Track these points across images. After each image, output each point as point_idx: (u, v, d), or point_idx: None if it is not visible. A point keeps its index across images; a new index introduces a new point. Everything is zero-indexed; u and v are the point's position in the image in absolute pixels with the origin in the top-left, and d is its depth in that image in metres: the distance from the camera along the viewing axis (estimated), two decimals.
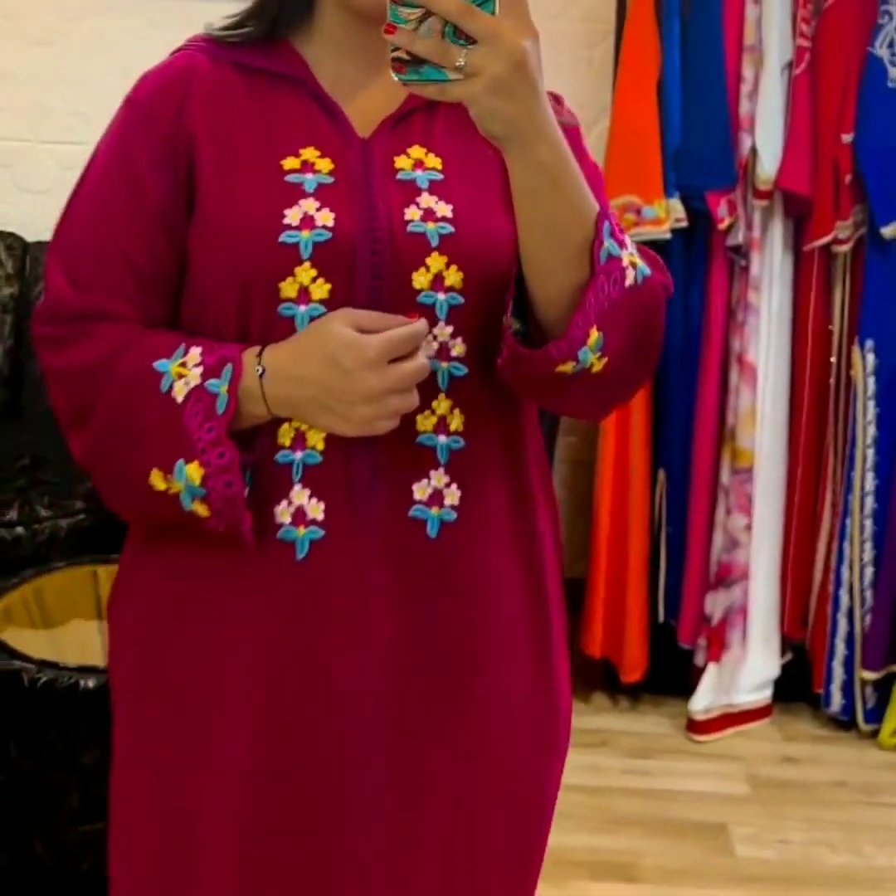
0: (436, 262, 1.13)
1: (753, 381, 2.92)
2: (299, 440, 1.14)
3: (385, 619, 1.16)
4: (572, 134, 1.15)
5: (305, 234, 1.11)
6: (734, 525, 2.98)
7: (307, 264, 1.11)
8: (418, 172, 1.15)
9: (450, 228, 1.13)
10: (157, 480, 1.13)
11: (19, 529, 2.75)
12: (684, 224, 2.86)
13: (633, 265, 1.12)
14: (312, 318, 1.11)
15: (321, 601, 1.15)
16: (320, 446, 1.14)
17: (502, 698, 1.22)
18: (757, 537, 2.99)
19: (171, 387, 1.12)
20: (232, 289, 1.14)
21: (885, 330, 2.88)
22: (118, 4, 3.37)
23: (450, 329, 1.14)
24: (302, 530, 1.14)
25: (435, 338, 1.13)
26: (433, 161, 1.16)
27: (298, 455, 1.14)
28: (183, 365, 1.12)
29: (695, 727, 3.00)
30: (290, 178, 1.13)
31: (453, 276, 1.13)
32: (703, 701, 3.00)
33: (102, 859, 2.11)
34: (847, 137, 2.79)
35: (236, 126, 1.17)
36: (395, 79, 0.99)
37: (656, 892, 2.47)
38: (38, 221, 3.42)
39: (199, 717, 1.20)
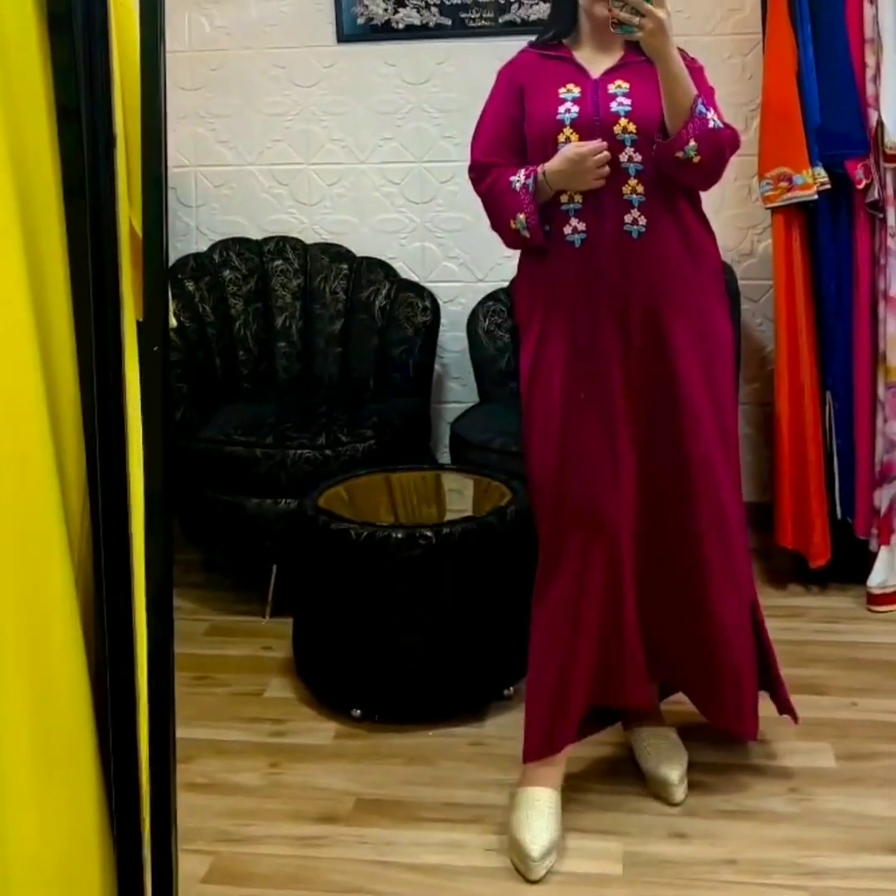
0: (623, 122, 2.39)
1: None
2: (571, 199, 2.43)
3: (613, 278, 2.41)
4: (695, 69, 2.42)
5: (567, 115, 2.41)
6: (892, 430, 3.42)
7: (568, 128, 2.41)
8: (618, 89, 2.41)
9: (629, 108, 2.39)
10: (511, 222, 2.45)
11: (328, 451, 3.47)
12: (829, 187, 3.35)
13: (713, 120, 2.33)
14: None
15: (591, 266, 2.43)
16: (579, 199, 2.41)
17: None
18: None
19: (514, 182, 2.43)
20: (537, 142, 2.45)
21: None
22: (361, 51, 4.12)
23: (632, 150, 2.39)
24: (577, 237, 2.42)
25: (626, 154, 2.38)
26: (625, 86, 2.42)
27: (571, 205, 2.42)
28: (518, 178, 2.43)
29: (873, 600, 3.46)
30: (561, 95, 2.44)
31: (631, 127, 2.38)
32: (879, 577, 3.46)
33: (418, 664, 2.82)
34: None
35: (539, 80, 2.47)
36: (612, 31, 2.30)
37: (841, 701, 3.01)
38: (313, 227, 4.22)
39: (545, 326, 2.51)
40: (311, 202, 4.26)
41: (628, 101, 2.39)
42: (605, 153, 2.35)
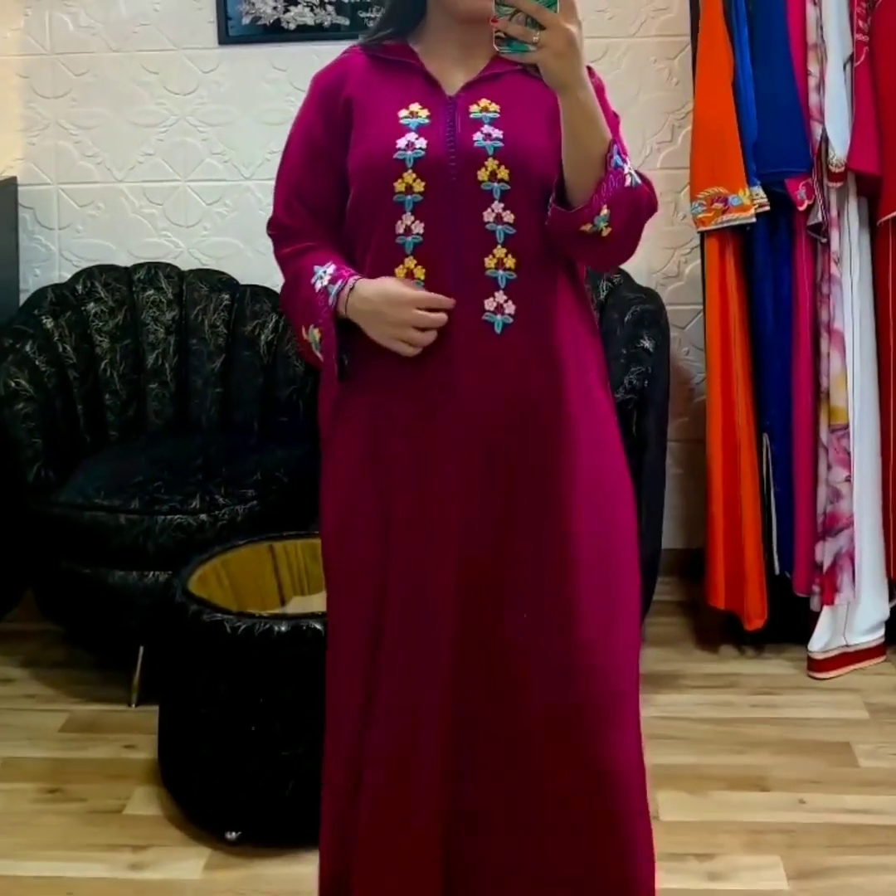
0: (491, 164, 1.72)
1: (842, 346, 3.10)
2: (408, 272, 1.77)
3: (464, 392, 1.76)
4: (599, 89, 1.74)
5: (409, 153, 1.73)
6: (835, 478, 3.15)
7: (410, 171, 1.73)
8: (484, 114, 1.75)
9: (500, 144, 1.73)
10: (303, 332, 1.83)
11: (202, 516, 3.07)
12: (767, 208, 3.07)
13: (630, 175, 1.69)
14: (415, 204, 1.73)
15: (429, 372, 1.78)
16: (421, 273, 1.75)
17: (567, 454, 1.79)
18: (858, 488, 3.16)
19: (315, 281, 1.79)
20: (365, 192, 1.77)
21: None
22: (244, 53, 3.74)
23: (502, 205, 1.73)
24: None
25: (492, 211, 1.72)
26: (494, 108, 1.76)
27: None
28: (324, 272, 1.79)
29: (815, 666, 3.19)
30: (402, 121, 1.75)
31: (503, 172, 1.72)
32: (821, 641, 3.20)
33: (303, 782, 2.43)
34: None
35: (371, 93, 1.79)
36: (497, 50, 1.57)
37: (787, 798, 2.69)
38: (190, 251, 3.83)
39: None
40: (188, 224, 3.85)
41: (499, 133, 1.73)
42: (442, 316, 1.72)
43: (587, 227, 1.67)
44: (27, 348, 3.36)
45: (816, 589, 3.25)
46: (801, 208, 3.09)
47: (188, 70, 3.77)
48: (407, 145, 1.73)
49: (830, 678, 3.20)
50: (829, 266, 3.10)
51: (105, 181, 3.83)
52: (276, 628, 2.49)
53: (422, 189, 1.73)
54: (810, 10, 3.04)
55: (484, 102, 1.76)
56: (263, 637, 2.48)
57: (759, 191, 3.09)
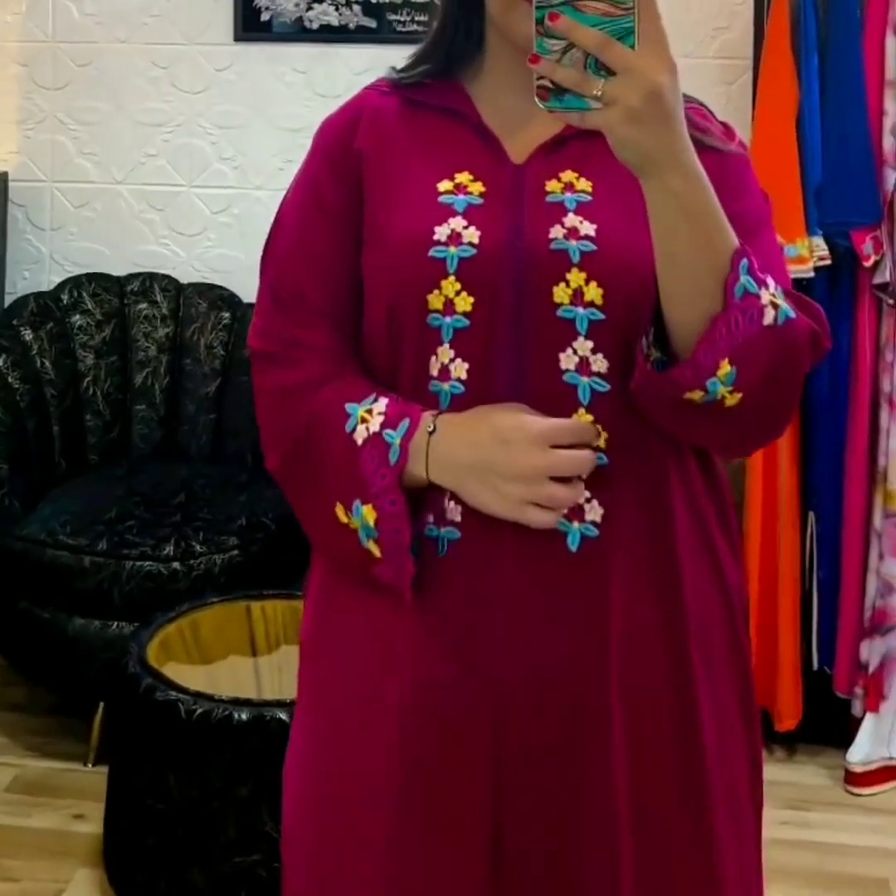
0: (576, 277, 1.15)
1: None
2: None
3: (514, 640, 1.18)
4: (737, 165, 1.23)
5: (452, 249, 1.17)
6: (888, 571, 2.88)
7: (452, 278, 1.17)
8: (567, 195, 1.19)
9: (592, 247, 1.16)
10: (340, 513, 1.19)
11: (176, 564, 2.76)
12: (828, 262, 2.81)
13: (775, 305, 1.10)
14: (456, 330, 1.17)
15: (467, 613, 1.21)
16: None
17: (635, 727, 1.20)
18: None
19: (354, 428, 1.18)
20: (384, 299, 1.21)
21: None
22: (262, 52, 3.47)
23: (590, 344, 1.16)
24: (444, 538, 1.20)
25: (575, 351, 1.16)
26: (583, 184, 1.20)
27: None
28: (369, 412, 1.18)
29: (853, 780, 2.90)
30: (443, 199, 1.20)
31: (593, 292, 1.15)
32: (862, 752, 2.90)
33: (258, 891, 2.13)
34: None
35: (398, 149, 1.25)
36: (539, 105, 1.02)
37: None
38: (191, 263, 3.54)
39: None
40: (190, 233, 3.55)
41: (590, 228, 1.18)
42: (591, 455, 1.15)
43: (695, 395, 1.10)
44: None
45: (860, 691, 2.96)
46: (867, 264, 2.81)
47: (199, 67, 3.50)
48: (450, 237, 1.18)
49: (870, 794, 2.89)
50: (895, 331, 2.84)
51: (103, 182, 3.55)
52: (236, 715, 2.17)
53: (468, 308, 1.17)
54: (890, 42, 2.75)
55: (568, 176, 1.21)
56: (221, 725, 2.17)
57: (820, 242, 2.82)
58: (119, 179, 3.54)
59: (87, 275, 3.42)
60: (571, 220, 1.17)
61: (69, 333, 3.30)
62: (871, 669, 2.90)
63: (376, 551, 1.17)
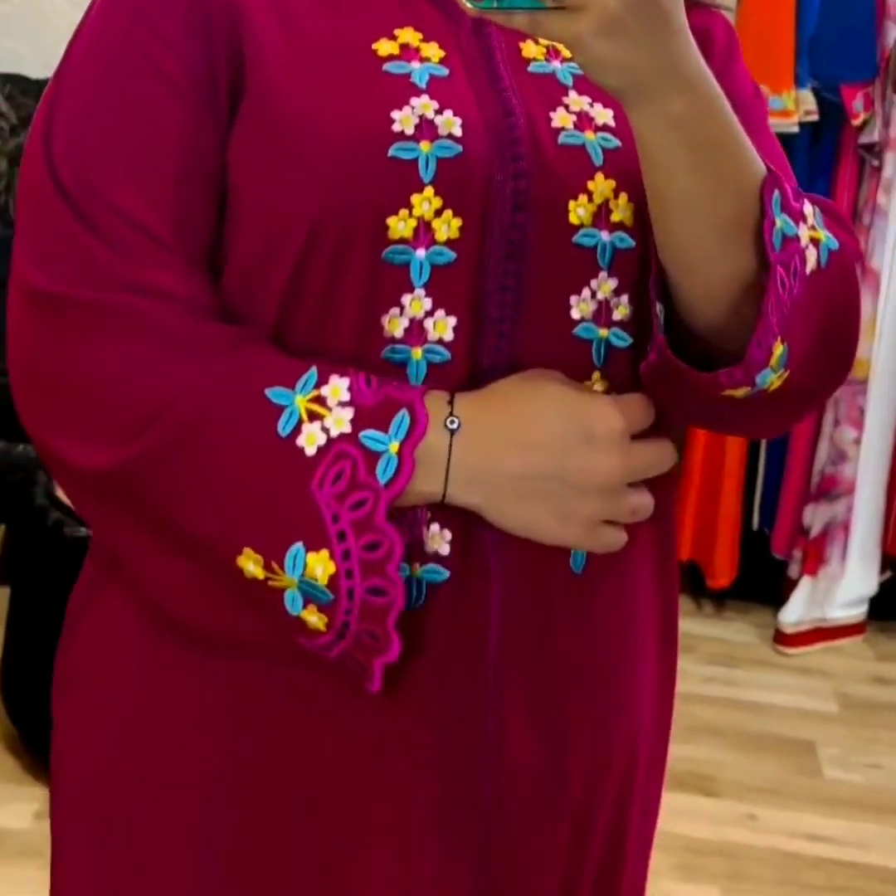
0: (601, 186, 0.79)
1: (876, 288, 2.82)
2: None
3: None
4: (726, 48, 0.89)
5: (425, 145, 0.77)
6: (842, 437, 2.91)
7: (429, 189, 0.77)
8: (556, 64, 0.82)
9: (615, 141, 0.80)
10: (248, 563, 0.75)
11: None
12: (815, 118, 2.75)
13: (815, 242, 0.79)
14: (436, 268, 0.78)
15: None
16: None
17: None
18: (865, 452, 2.91)
19: (295, 430, 0.75)
20: (301, 226, 0.77)
21: None
22: None
23: (613, 283, 0.81)
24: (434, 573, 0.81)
25: (593, 294, 0.80)
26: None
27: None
28: (319, 400, 0.75)
29: (783, 639, 2.96)
30: (390, 66, 0.78)
31: (623, 209, 0.80)
32: (795, 614, 2.96)
33: None
34: None
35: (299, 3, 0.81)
36: (466, 5, 0.67)
37: (736, 810, 2.42)
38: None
39: None
40: None
41: (607, 112, 0.81)
42: (672, 448, 0.83)
43: (738, 392, 0.78)
44: None
45: (798, 554, 3.01)
46: (855, 122, 2.76)
47: None
48: (419, 127, 0.77)
49: (799, 655, 2.95)
50: (875, 193, 2.83)
51: None
52: None
53: (454, 235, 0.78)
54: None
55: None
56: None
57: (807, 95, 2.76)
58: None
59: (2, 75, 3.23)
60: (575, 100, 0.80)
61: None
62: (812, 534, 2.95)
63: (319, 623, 0.75)
